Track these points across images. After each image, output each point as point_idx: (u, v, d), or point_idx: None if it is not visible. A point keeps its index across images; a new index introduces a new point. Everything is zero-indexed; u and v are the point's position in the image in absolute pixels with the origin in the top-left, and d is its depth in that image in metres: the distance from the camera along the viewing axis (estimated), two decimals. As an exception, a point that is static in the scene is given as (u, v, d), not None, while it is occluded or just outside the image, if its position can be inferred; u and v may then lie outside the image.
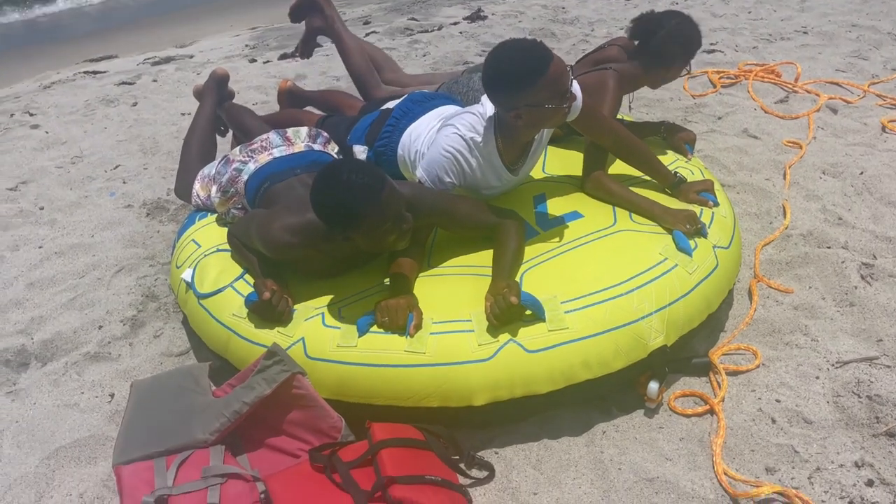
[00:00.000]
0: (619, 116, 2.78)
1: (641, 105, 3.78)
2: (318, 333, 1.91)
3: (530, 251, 2.12)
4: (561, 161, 2.62)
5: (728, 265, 2.18)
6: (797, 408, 1.96)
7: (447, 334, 1.86)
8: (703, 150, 3.27)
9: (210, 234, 2.37)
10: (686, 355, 2.13)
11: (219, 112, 2.97)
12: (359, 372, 1.86)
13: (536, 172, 2.53)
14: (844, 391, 1.99)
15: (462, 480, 1.83)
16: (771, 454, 1.85)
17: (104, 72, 5.36)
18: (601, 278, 1.97)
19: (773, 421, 1.94)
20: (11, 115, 4.55)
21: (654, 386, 1.95)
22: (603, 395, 2.02)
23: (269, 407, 1.89)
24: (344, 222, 1.84)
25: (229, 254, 2.24)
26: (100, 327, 2.52)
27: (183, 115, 4.20)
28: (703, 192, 2.33)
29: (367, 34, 5.64)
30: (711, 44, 4.53)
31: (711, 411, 1.97)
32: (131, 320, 2.54)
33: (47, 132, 4.21)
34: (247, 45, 5.79)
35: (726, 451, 1.87)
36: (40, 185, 3.55)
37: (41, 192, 3.48)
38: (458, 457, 1.89)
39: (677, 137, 2.69)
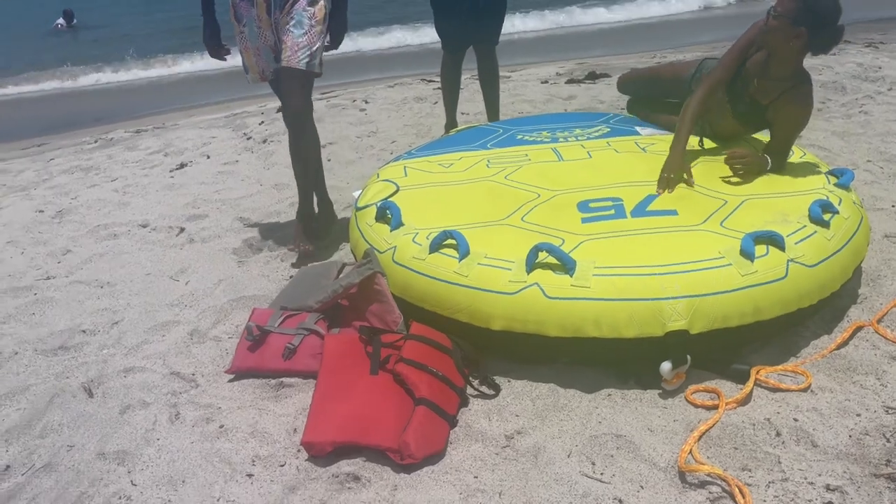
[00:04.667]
0: None
1: (881, 160, 3.49)
2: (406, 245, 2.42)
3: (605, 227, 2.35)
4: (708, 171, 2.70)
5: (803, 284, 2.13)
6: (812, 431, 1.89)
7: (490, 267, 2.21)
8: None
9: (389, 171, 3.03)
10: (731, 358, 2.15)
11: None
12: (420, 280, 2.32)
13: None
14: (876, 432, 1.86)
15: (470, 391, 2.18)
16: (755, 458, 1.84)
17: (436, 80, 6.50)
18: (643, 257, 2.14)
19: (777, 434, 1.90)
20: (354, 101, 5.88)
21: (666, 366, 2.04)
22: (629, 369, 2.17)
23: (360, 296, 2.45)
24: None
25: (389, 184, 2.85)
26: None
27: (463, 114, 5.01)
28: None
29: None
30: None
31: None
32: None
33: (366, 114, 5.39)
34: (558, 74, 6.46)
35: (708, 440, 1.91)
36: (338, 146, 4.64)
37: (335, 151, 4.55)
38: (476, 371, 2.24)
39: None
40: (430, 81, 6.52)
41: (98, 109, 8.24)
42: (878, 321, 2.32)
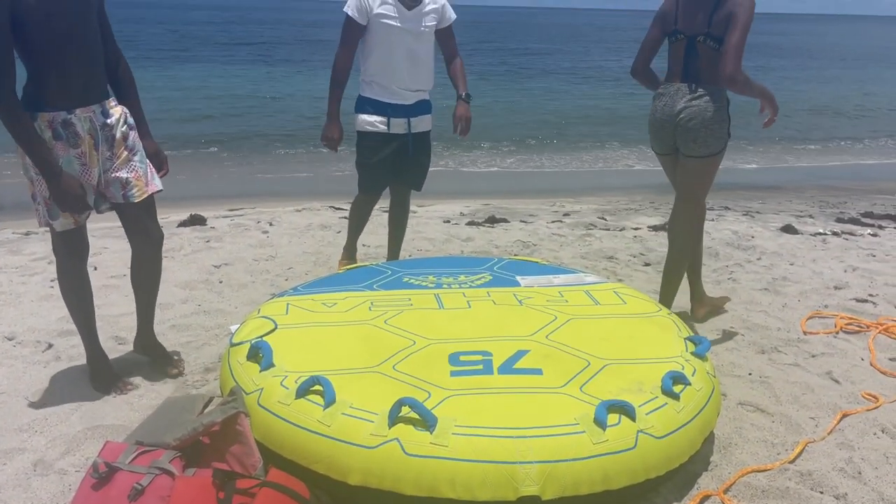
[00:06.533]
0: None
1: (742, 327, 3.76)
2: (273, 388, 2.39)
3: (471, 382, 2.41)
4: (576, 331, 2.84)
5: (652, 455, 2.22)
6: None
7: (353, 418, 2.21)
8: (770, 377, 3.19)
9: (271, 307, 3.03)
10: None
11: None
12: (282, 426, 2.29)
13: (539, 337, 2.79)
14: None
15: (322, 546, 2.12)
16: None
17: (345, 209, 6.65)
18: (503, 418, 2.19)
19: None
20: (258, 222, 5.92)
21: (516, 528, 2.06)
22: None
23: (221, 435, 2.38)
24: None
25: (267, 321, 2.85)
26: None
27: (364, 245, 5.10)
28: None
29: (554, 221, 6.30)
30: (870, 295, 4.30)
31: (565, 577, 2.01)
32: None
33: (268, 237, 5.42)
34: (462, 214, 6.73)
35: None
36: (233, 268, 4.61)
37: (228, 273, 4.52)
38: (329, 526, 2.18)
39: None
40: (337, 209, 6.66)
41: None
42: (725, 491, 2.42)
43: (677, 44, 3.39)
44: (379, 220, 5.87)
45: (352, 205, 4.23)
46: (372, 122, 3.85)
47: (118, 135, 2.88)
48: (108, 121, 2.86)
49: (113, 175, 2.88)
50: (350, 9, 3.71)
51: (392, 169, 3.99)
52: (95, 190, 2.86)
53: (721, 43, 3.19)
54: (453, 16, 3.95)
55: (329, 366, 2.50)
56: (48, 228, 2.86)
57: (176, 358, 3.28)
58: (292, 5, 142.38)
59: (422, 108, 3.95)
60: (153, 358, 3.26)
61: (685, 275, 3.76)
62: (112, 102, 2.91)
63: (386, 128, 3.84)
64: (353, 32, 3.75)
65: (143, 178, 2.96)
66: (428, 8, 3.80)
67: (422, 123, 3.98)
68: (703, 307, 3.86)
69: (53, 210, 2.77)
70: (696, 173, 3.45)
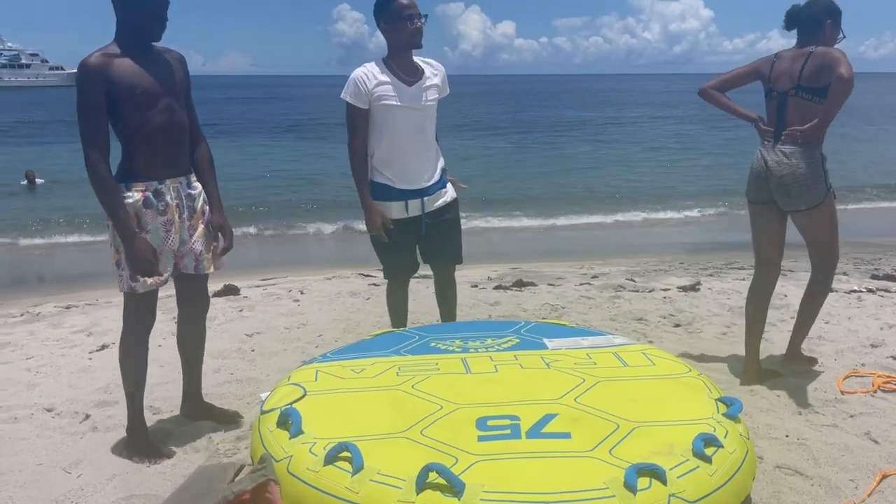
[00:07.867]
0: None
1: (778, 388, 3.69)
2: (303, 455, 2.41)
3: (499, 447, 2.40)
4: (604, 393, 2.83)
5: (685, 519, 2.18)
6: None
7: (381, 484, 2.22)
8: (808, 439, 3.11)
9: (300, 374, 3.07)
10: None
11: None
12: (311, 493, 2.29)
13: (568, 400, 2.78)
14: None
15: None
16: None
17: (374, 276, 6.73)
18: (531, 484, 2.18)
19: None
20: (289, 291, 6.03)
21: None
22: None
23: (251, 503, 2.40)
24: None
25: (297, 388, 2.88)
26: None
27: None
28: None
29: (582, 283, 6.30)
30: (910, 351, 4.21)
31: None
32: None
33: (299, 305, 5.50)
34: (489, 279, 6.77)
35: None
36: (265, 336, 4.69)
37: (260, 341, 4.59)
38: None
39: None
40: (366, 276, 6.76)
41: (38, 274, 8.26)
42: (763, 558, 2.35)
43: (771, 101, 3.66)
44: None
45: (387, 298, 4.08)
46: (388, 207, 3.69)
47: (198, 207, 3.14)
48: (192, 192, 3.12)
49: (189, 247, 3.12)
50: (347, 95, 3.58)
51: (415, 253, 3.83)
52: (175, 256, 3.08)
53: (811, 93, 3.49)
54: (448, 90, 3.82)
55: (357, 431, 2.51)
56: (123, 294, 3.06)
57: (230, 410, 3.49)
58: (321, 80, 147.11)
59: (436, 186, 3.77)
60: (208, 417, 3.43)
61: (744, 335, 3.96)
62: (194, 177, 3.16)
63: (405, 212, 3.69)
64: (358, 118, 3.61)
65: (211, 251, 3.22)
66: (429, 83, 3.68)
67: (438, 200, 3.78)
68: (755, 374, 3.84)
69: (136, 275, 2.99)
70: (810, 223, 3.69)
